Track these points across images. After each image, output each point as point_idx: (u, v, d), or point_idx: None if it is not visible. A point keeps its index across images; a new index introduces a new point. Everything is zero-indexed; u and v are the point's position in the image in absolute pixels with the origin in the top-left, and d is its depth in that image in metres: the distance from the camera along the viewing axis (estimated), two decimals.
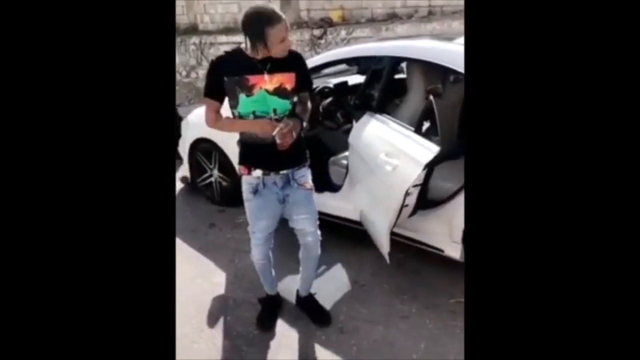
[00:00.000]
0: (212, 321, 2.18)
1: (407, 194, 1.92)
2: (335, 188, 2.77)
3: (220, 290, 2.43)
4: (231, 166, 3.17)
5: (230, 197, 3.34)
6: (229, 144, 3.03)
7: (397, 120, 2.22)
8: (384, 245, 2.12)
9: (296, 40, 6.56)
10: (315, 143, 3.30)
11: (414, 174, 1.85)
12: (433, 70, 2.53)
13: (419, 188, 2.02)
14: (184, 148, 3.50)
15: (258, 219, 1.88)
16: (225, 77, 1.69)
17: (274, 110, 1.73)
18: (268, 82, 1.69)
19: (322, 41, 6.10)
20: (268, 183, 1.81)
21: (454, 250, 2.24)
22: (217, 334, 2.09)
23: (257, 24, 1.60)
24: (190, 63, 8.31)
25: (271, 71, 1.69)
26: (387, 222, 2.05)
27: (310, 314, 2.14)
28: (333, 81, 3.33)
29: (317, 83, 3.37)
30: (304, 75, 1.80)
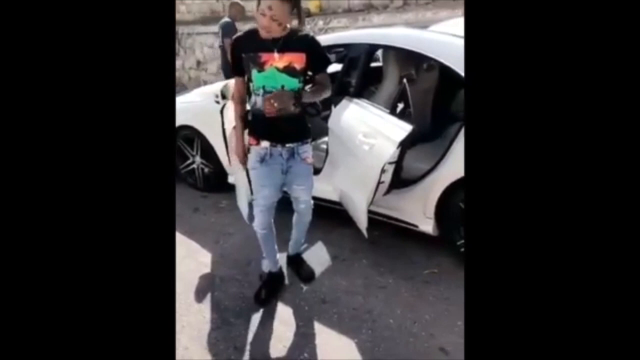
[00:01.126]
0: (200, 297, 2.29)
1: (383, 170, 2.06)
2: (315, 171, 2.89)
3: (207, 269, 2.53)
4: (214, 153, 3.26)
5: (213, 183, 3.44)
6: (212, 130, 3.12)
7: (374, 103, 2.35)
8: (362, 221, 2.26)
9: None
10: None
11: (390, 151, 1.99)
12: (407, 57, 2.67)
13: (393, 165, 2.15)
14: None
15: (262, 186, 2.01)
16: (243, 54, 1.86)
17: (282, 87, 1.85)
18: (278, 60, 1.81)
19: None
20: (274, 154, 1.96)
21: (427, 225, 2.40)
22: (205, 309, 2.19)
23: None
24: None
25: (281, 50, 1.81)
26: (365, 199, 2.19)
27: (298, 270, 2.40)
28: None
29: None
30: (319, 57, 1.91)
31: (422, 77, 2.84)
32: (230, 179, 3.12)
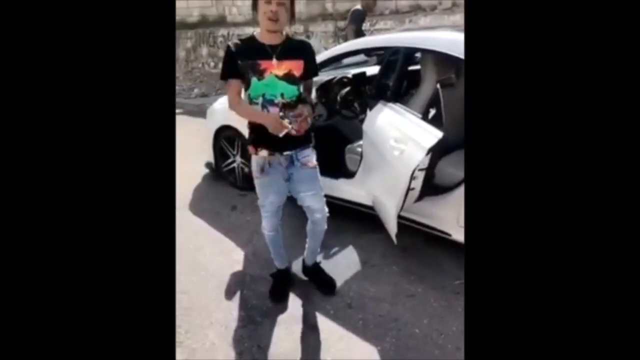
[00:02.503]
0: (229, 294, 2.34)
1: (413, 177, 2.02)
2: (350, 174, 2.88)
3: (239, 267, 2.59)
4: None
5: (252, 181, 3.51)
6: None
7: (407, 108, 2.32)
8: (392, 227, 2.23)
9: (321, 32, 6.66)
10: (333, 132, 3.43)
11: (419, 157, 1.95)
12: (446, 61, 2.61)
13: (424, 172, 2.11)
14: (208, 135, 3.67)
15: (266, 194, 2.04)
16: (240, 61, 1.82)
17: (282, 95, 1.85)
18: (277, 67, 1.81)
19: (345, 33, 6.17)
20: (274, 163, 1.96)
21: (460, 234, 2.33)
22: (233, 306, 2.24)
23: None
24: (219, 54, 8.51)
25: (280, 57, 1.82)
26: (394, 205, 2.16)
27: (316, 281, 2.33)
28: (352, 72, 3.45)
29: (337, 73, 3.50)
30: (312, 63, 1.94)
31: (461, 82, 2.77)
32: None
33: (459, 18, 5.11)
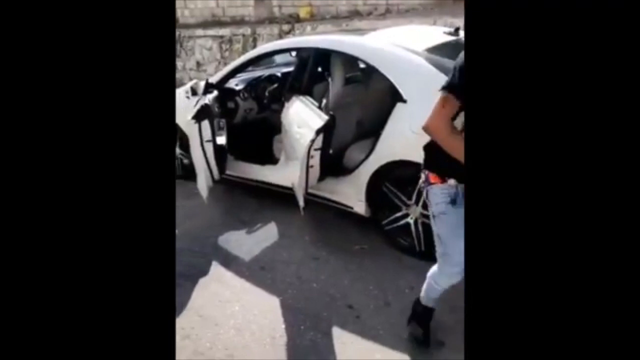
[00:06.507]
0: None
1: (310, 155, 2.41)
2: (275, 161, 3.25)
3: None
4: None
5: (190, 171, 3.81)
6: (187, 124, 3.48)
7: (312, 100, 2.71)
8: (300, 200, 2.61)
9: (267, 35, 7.00)
10: (264, 124, 3.79)
11: (311, 137, 2.33)
12: (352, 61, 3.02)
13: (319, 152, 2.49)
14: None
15: (454, 236, 1.53)
16: None
17: None
18: None
19: (290, 35, 6.54)
20: (461, 194, 1.54)
21: (360, 207, 2.74)
22: None
23: None
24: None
25: None
26: (300, 180, 2.54)
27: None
28: (283, 70, 3.85)
29: (267, 72, 3.88)
30: None
31: (370, 80, 3.19)
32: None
33: (390, 22, 5.58)
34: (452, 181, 1.55)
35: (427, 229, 2.36)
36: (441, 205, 1.57)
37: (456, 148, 1.40)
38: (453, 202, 1.55)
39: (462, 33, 2.87)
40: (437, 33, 2.96)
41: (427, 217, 2.27)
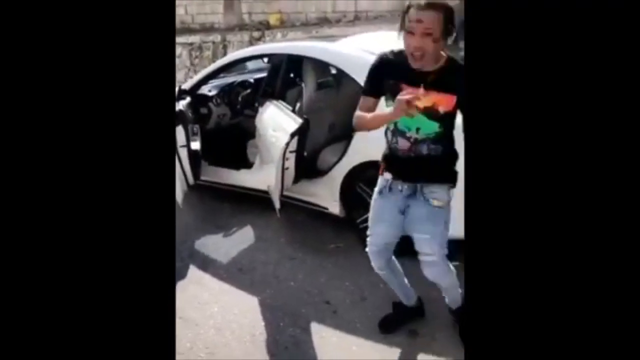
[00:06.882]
0: None
1: (285, 158, 2.48)
2: (249, 165, 3.30)
3: None
4: None
5: None
6: None
7: (285, 104, 2.79)
8: (276, 202, 2.67)
9: (237, 42, 7.06)
10: (238, 129, 3.84)
11: (285, 140, 2.41)
12: (323, 66, 3.11)
13: (294, 154, 2.57)
14: None
15: (374, 222, 1.79)
16: (385, 78, 1.60)
17: (417, 129, 1.59)
18: (422, 97, 1.42)
19: (261, 42, 6.62)
20: (394, 188, 1.71)
21: (335, 208, 2.83)
22: None
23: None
24: None
25: (430, 87, 1.47)
26: (276, 183, 2.60)
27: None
28: (255, 76, 3.91)
29: (240, 78, 3.94)
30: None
31: (342, 84, 3.29)
32: None
33: (359, 29, 5.73)
34: (387, 174, 1.72)
35: None
36: (375, 193, 1.79)
37: (364, 120, 1.62)
38: (380, 192, 1.75)
39: None
40: None
41: None
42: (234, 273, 2.57)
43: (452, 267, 1.81)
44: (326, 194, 2.85)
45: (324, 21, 6.65)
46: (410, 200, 1.70)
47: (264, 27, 6.89)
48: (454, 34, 1.48)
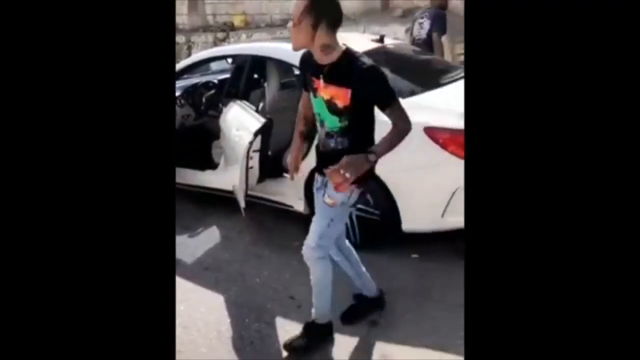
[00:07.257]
0: None
1: (249, 157, 2.52)
2: (214, 166, 3.31)
3: None
4: None
5: None
6: None
7: (249, 104, 2.83)
8: (241, 201, 2.71)
9: (202, 43, 7.01)
10: (202, 130, 3.84)
11: (249, 139, 2.45)
12: (285, 67, 3.17)
13: (258, 153, 2.61)
14: None
15: (316, 215, 1.85)
16: (306, 73, 1.73)
17: (323, 123, 1.66)
18: (323, 90, 1.56)
19: (225, 43, 6.61)
20: (318, 182, 1.82)
21: (300, 205, 2.88)
22: None
23: None
24: None
25: (327, 80, 1.56)
26: (240, 182, 2.64)
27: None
28: (219, 77, 3.93)
29: (203, 79, 3.94)
30: (377, 92, 1.55)
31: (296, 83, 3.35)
32: None
33: None
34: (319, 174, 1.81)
35: (361, 221, 2.55)
36: None
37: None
38: (318, 189, 1.82)
39: (387, 40, 3.12)
40: (365, 40, 3.19)
41: (360, 210, 2.47)
42: (199, 272, 2.58)
43: (328, 264, 1.94)
44: (291, 193, 2.90)
45: (288, 22, 6.70)
46: (319, 192, 1.80)
47: (229, 28, 6.89)
48: (324, 20, 1.48)
